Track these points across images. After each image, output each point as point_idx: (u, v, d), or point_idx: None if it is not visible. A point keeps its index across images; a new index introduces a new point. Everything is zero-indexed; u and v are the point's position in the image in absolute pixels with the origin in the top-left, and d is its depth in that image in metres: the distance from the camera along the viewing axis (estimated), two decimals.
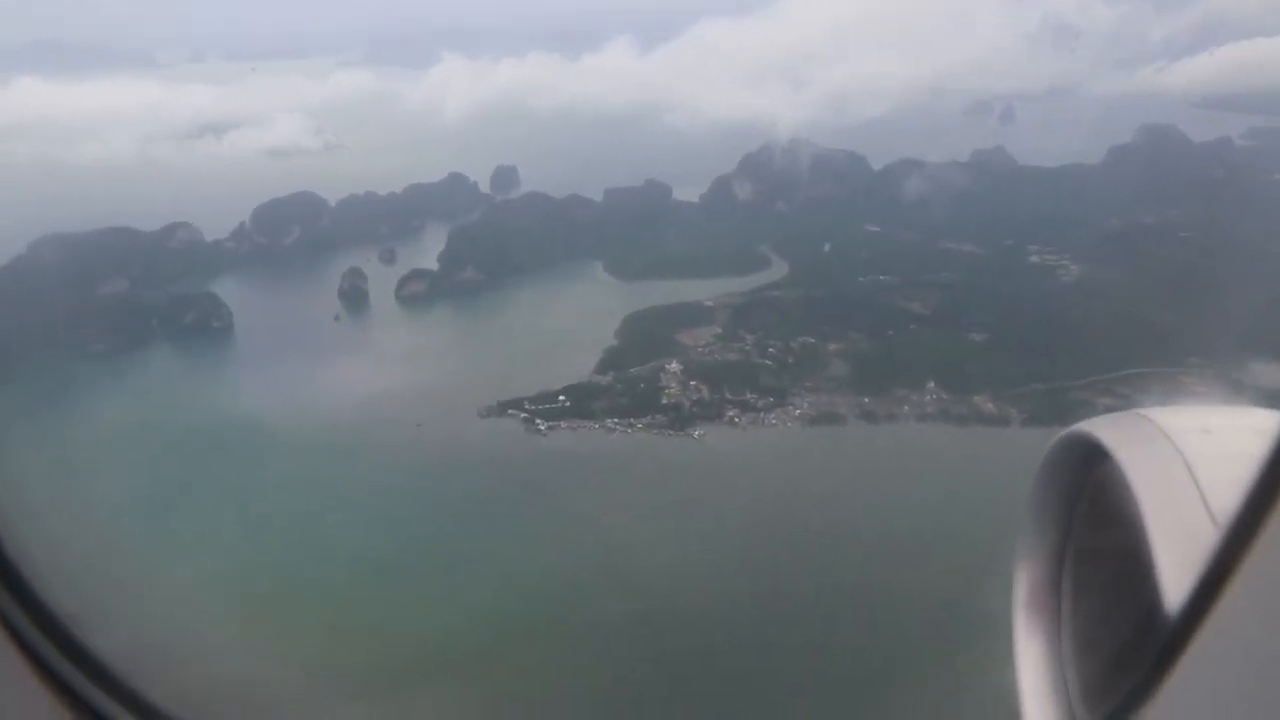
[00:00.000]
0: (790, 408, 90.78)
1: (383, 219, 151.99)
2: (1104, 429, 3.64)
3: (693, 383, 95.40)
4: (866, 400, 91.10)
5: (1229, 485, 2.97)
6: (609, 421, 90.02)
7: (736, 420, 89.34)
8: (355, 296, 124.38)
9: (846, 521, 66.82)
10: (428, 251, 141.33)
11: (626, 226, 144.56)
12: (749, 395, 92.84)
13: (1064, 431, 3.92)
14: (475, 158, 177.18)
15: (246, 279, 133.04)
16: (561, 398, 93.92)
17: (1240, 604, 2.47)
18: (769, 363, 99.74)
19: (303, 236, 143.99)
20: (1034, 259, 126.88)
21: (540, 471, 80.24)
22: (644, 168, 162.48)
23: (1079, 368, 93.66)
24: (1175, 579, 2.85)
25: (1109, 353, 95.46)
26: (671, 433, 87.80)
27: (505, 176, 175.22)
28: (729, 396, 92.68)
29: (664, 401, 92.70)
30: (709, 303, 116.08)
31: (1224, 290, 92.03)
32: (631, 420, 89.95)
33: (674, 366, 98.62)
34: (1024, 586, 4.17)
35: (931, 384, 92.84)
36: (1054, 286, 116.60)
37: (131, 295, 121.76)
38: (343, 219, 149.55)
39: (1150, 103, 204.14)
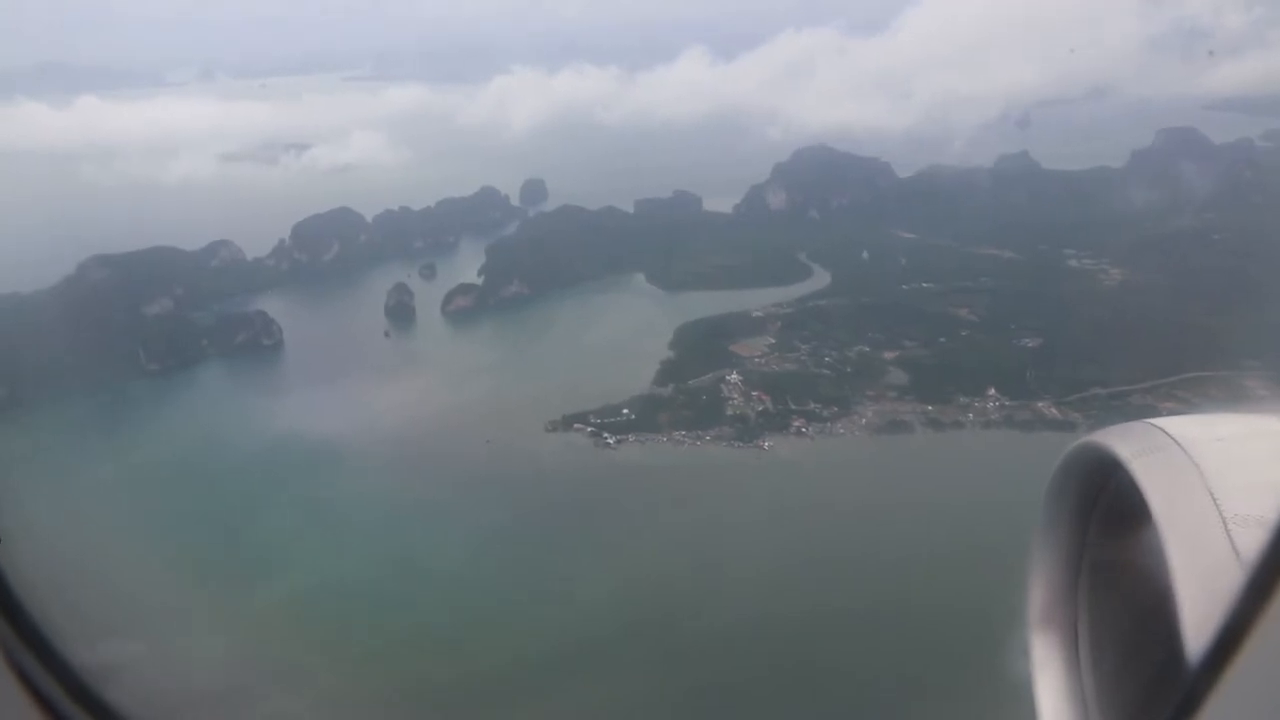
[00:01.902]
0: (855, 417, 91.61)
1: (418, 233, 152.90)
2: (1116, 439, 3.63)
3: (755, 393, 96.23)
4: (930, 408, 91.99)
5: (1243, 492, 3.10)
6: (676, 434, 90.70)
7: (804, 430, 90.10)
8: (402, 312, 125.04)
9: (937, 530, 67.61)
10: (464, 265, 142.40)
11: (662, 237, 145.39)
12: (812, 405, 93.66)
13: (1075, 443, 3.91)
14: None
15: (289, 296, 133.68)
16: (625, 411, 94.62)
17: (1276, 631, 2.46)
18: (827, 372, 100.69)
19: (342, 252, 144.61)
20: (1072, 263, 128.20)
21: (618, 485, 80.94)
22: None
23: (1136, 372, 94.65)
24: (1192, 589, 2.87)
25: (1164, 357, 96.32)
26: (740, 444, 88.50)
27: (534, 189, 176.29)
28: (793, 407, 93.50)
29: (729, 413, 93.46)
30: (758, 313, 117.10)
31: (1269, 293, 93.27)
32: (699, 432, 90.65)
33: (734, 377, 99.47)
34: (1039, 599, 4.17)
35: (992, 390, 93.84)
36: (1097, 291, 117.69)
37: (179, 315, 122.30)
38: (378, 235, 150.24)
39: (1166, 105, 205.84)
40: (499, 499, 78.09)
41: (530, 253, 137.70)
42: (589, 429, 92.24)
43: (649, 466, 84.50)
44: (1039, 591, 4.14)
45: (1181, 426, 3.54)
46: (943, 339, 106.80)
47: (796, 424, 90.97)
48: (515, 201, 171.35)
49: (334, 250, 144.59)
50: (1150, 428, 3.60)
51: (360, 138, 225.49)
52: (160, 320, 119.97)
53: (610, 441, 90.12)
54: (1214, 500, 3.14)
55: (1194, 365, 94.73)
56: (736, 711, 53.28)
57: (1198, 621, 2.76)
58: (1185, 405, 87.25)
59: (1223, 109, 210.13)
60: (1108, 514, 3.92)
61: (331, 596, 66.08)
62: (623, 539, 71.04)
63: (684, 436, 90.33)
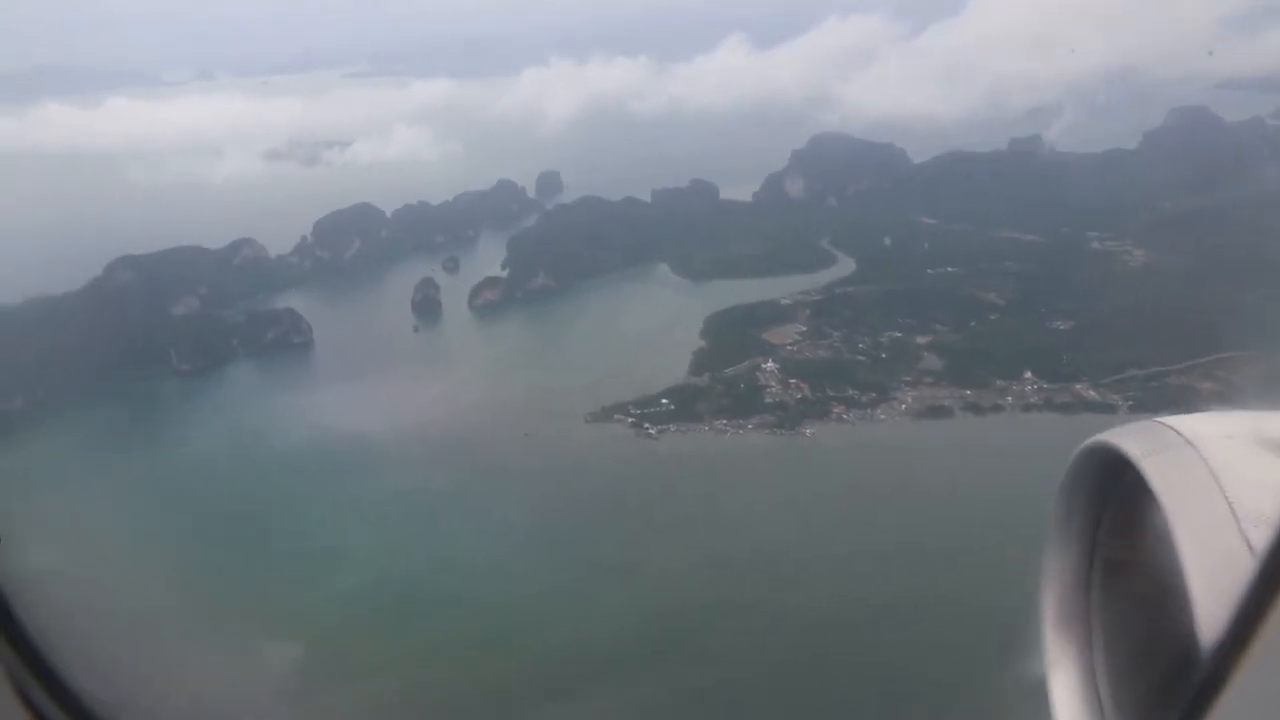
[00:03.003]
0: (895, 402, 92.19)
1: (437, 228, 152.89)
2: (1125, 439, 3.63)
3: (792, 381, 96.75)
4: (968, 392, 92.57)
5: (1254, 490, 3.10)
6: (717, 423, 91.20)
7: (844, 417, 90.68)
8: (429, 307, 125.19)
9: (998, 516, 67.90)
10: (486, 259, 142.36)
11: (682, 227, 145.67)
12: (850, 391, 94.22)
13: (1084, 443, 3.89)
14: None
15: (313, 293, 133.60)
16: (664, 401, 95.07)
17: None
18: (862, 358, 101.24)
19: (363, 248, 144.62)
20: (1095, 245, 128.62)
21: (669, 475, 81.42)
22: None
23: (1171, 353, 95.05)
24: (1206, 588, 2.88)
25: (1197, 337, 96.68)
26: (782, 432, 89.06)
27: (549, 182, 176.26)
28: (831, 394, 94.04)
29: (767, 401, 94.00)
30: (786, 300, 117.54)
31: None
32: (740, 421, 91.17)
33: (770, 365, 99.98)
34: (1052, 600, 4.16)
35: (1028, 373, 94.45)
36: (1123, 272, 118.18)
37: (206, 314, 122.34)
38: (399, 230, 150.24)
39: (1175, 85, 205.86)
40: (552, 491, 78.52)
41: (552, 245, 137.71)
42: (629, 419, 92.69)
43: (696, 456, 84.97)
44: (1052, 591, 4.15)
45: (1192, 425, 3.52)
46: (973, 323, 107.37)
47: (837, 410, 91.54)
48: (531, 194, 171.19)
49: (355, 247, 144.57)
50: (1160, 426, 3.58)
51: (403, 133, 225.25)
52: (188, 320, 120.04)
53: (652, 432, 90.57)
54: (1226, 499, 3.14)
55: (1228, 345, 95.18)
56: (812, 693, 53.86)
57: (1212, 620, 2.79)
58: (1223, 385, 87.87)
59: (1232, 88, 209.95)
60: (1119, 513, 3.95)
61: (406, 592, 66.58)
62: (689, 528, 71.49)
63: (725, 425, 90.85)
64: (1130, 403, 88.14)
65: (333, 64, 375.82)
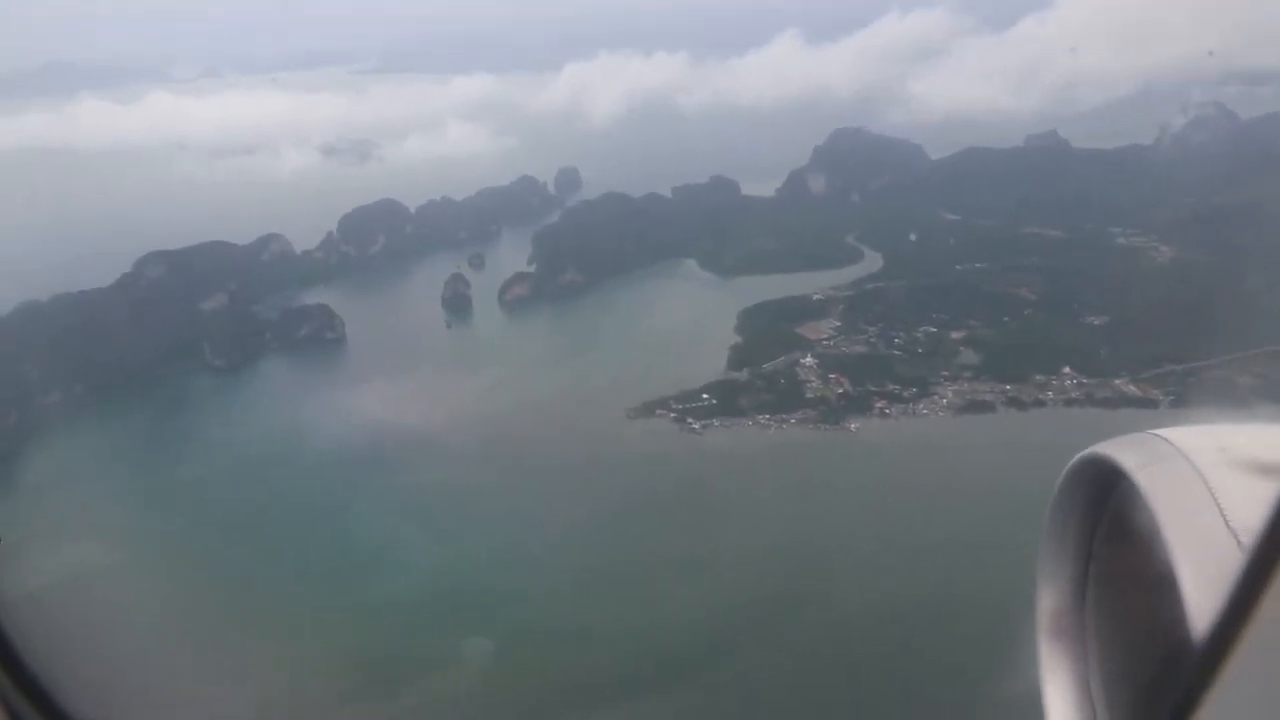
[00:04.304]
0: (936, 397, 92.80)
1: (460, 224, 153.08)
2: (1120, 450, 3.64)
3: (832, 376, 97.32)
4: (1008, 387, 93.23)
5: (1249, 502, 3.09)
6: (760, 418, 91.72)
7: (887, 411, 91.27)
8: (459, 303, 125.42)
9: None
10: (511, 254, 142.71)
11: (706, 223, 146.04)
12: (891, 386, 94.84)
13: (1079, 454, 3.91)
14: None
15: (340, 289, 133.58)
16: (705, 396, 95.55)
17: (1272, 624, 2.49)
18: (899, 353, 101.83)
19: (388, 244, 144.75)
20: (1121, 241, 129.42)
21: (718, 469, 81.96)
22: None
23: (1207, 348, 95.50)
24: (1200, 598, 2.87)
25: (1231, 332, 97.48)
26: (826, 427, 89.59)
27: (568, 178, 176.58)
28: (872, 388, 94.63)
29: (809, 396, 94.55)
30: (817, 296, 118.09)
31: None
32: (782, 416, 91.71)
33: (809, 360, 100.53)
34: (1047, 612, 4.15)
35: (1067, 368, 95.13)
36: (1151, 268, 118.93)
37: (235, 309, 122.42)
38: (423, 225, 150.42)
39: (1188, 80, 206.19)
40: (605, 485, 78.89)
41: (578, 241, 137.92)
42: (671, 415, 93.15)
43: (743, 451, 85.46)
44: (1047, 602, 4.16)
45: (1186, 437, 3.54)
46: (1006, 318, 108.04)
47: (879, 405, 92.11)
48: (552, 190, 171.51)
49: (380, 242, 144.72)
50: (1154, 438, 3.60)
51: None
52: (219, 315, 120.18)
53: (696, 427, 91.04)
54: (1220, 511, 3.15)
55: (1264, 340, 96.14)
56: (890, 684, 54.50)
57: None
58: (1262, 380, 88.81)
59: (1241, 83, 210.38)
60: (1113, 525, 3.94)
61: (472, 587, 66.99)
62: (751, 522, 71.85)
63: (768, 420, 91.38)
64: (1171, 397, 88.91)
65: (339, 61, 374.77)
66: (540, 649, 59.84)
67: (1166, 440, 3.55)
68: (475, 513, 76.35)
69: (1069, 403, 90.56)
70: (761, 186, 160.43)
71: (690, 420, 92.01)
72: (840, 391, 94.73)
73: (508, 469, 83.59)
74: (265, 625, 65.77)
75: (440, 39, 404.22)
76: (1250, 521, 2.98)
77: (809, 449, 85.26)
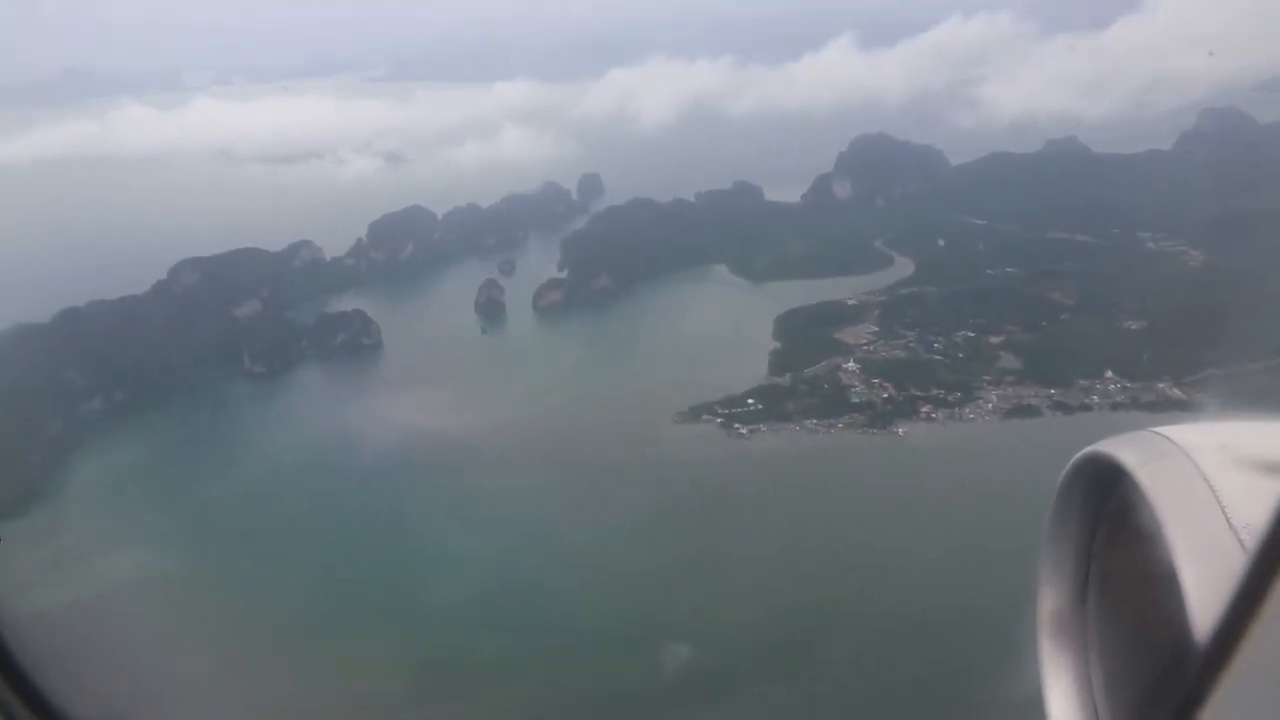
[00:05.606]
0: (980, 401, 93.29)
1: (488, 230, 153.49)
2: (1121, 448, 3.62)
3: (875, 380, 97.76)
4: (1053, 391, 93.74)
5: (1251, 499, 3.07)
6: (807, 422, 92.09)
7: (933, 416, 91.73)
8: (493, 309, 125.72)
9: None
10: (540, 260, 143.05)
11: (733, 228, 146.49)
12: (935, 391, 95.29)
13: (1080, 452, 3.88)
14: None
15: (370, 295, 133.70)
16: (750, 401, 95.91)
17: (1276, 623, 2.49)
18: (940, 358, 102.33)
19: (416, 251, 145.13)
20: (1150, 246, 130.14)
21: (770, 474, 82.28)
22: None
23: (1248, 352, 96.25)
24: (1202, 597, 2.86)
25: (1270, 337, 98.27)
26: (874, 431, 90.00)
27: (590, 184, 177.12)
28: (916, 393, 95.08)
29: (854, 400, 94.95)
30: (852, 301, 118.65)
31: None
32: (830, 420, 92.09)
33: (851, 365, 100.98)
34: (1048, 612, 4.14)
35: (1109, 373, 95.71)
36: (1184, 272, 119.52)
37: (270, 316, 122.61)
38: (450, 232, 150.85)
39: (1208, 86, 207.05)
40: (657, 491, 78.96)
41: (607, 246, 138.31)
42: (718, 420, 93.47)
43: (793, 455, 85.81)
44: (1048, 601, 4.15)
45: (1187, 434, 3.52)
46: (1044, 323, 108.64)
47: (925, 410, 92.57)
48: (575, 196, 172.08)
49: (409, 249, 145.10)
50: (1156, 436, 3.58)
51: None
52: (253, 322, 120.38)
53: (743, 431, 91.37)
54: (1222, 508, 3.14)
55: None
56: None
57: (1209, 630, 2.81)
58: None
59: (1268, 89, 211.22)
60: (1115, 523, 3.92)
61: (534, 592, 67.13)
62: (813, 526, 72.20)
63: (816, 425, 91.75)
64: (1216, 401, 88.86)
65: (346, 69, 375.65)
66: (622, 651, 60.05)
67: (1168, 438, 3.53)
68: (529, 518, 76.44)
69: (1114, 407, 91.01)
70: (785, 192, 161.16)
71: (737, 425, 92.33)
72: (885, 396, 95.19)
73: (557, 474, 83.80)
74: (328, 631, 66.03)
75: (446, 46, 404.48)
76: (1252, 519, 2.99)
77: (858, 453, 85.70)
